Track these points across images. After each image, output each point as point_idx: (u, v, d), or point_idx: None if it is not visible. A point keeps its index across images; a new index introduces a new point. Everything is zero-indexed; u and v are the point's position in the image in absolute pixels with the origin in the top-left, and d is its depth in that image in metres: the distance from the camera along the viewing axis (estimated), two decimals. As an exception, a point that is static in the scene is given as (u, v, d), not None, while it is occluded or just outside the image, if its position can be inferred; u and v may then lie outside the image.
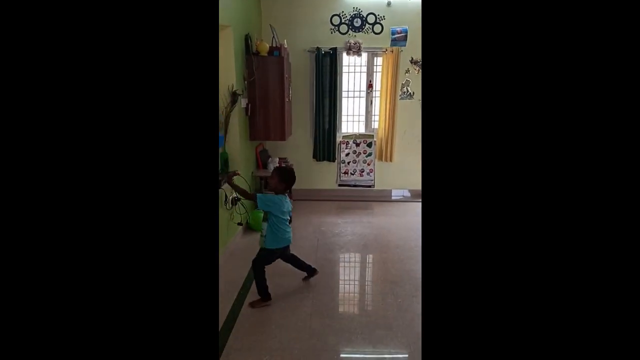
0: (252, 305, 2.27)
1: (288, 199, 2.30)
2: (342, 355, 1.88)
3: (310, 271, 2.54)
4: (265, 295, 2.29)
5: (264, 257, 2.29)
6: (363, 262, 3.07)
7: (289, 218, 2.32)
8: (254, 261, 2.29)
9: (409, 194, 4.69)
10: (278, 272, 2.71)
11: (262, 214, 3.45)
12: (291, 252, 2.45)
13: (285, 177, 2.26)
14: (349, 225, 3.69)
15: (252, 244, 3.20)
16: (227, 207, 2.92)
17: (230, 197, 2.97)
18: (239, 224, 3.21)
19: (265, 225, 2.26)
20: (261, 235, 2.29)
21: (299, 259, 2.49)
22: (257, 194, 2.25)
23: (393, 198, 4.65)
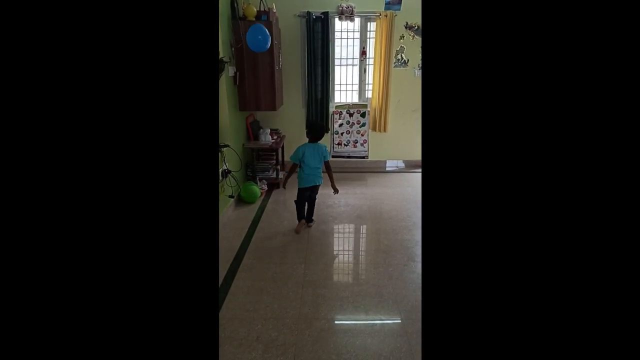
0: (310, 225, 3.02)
1: (313, 147, 2.87)
2: (335, 323, 1.90)
3: (309, 220, 3.03)
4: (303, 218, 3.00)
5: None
6: (356, 233, 3.08)
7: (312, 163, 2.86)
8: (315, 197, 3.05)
9: (402, 165, 4.65)
10: (270, 238, 2.70)
11: (254, 187, 3.44)
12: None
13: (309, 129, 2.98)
14: (342, 197, 3.66)
15: (244, 216, 3.18)
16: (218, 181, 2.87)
17: (220, 170, 2.91)
18: (230, 196, 3.17)
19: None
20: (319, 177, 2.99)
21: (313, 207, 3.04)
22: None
23: (387, 169, 4.62)
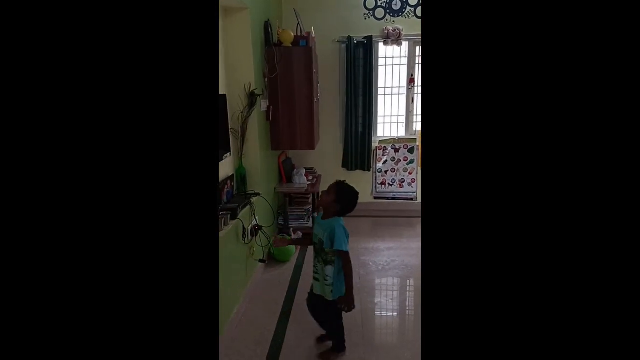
0: (323, 356, 1.83)
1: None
2: None
3: (340, 347, 1.85)
4: (342, 348, 1.84)
5: (339, 310, 1.75)
6: (419, 314, 2.40)
7: None
8: (330, 318, 1.81)
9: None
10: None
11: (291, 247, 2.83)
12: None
13: (344, 199, 1.67)
14: (394, 252, 3.02)
15: (277, 281, 2.58)
16: (246, 241, 2.29)
17: (249, 227, 2.34)
18: (262, 260, 2.58)
19: (330, 269, 1.68)
20: (326, 285, 1.70)
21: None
22: (342, 248, 1.64)
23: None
